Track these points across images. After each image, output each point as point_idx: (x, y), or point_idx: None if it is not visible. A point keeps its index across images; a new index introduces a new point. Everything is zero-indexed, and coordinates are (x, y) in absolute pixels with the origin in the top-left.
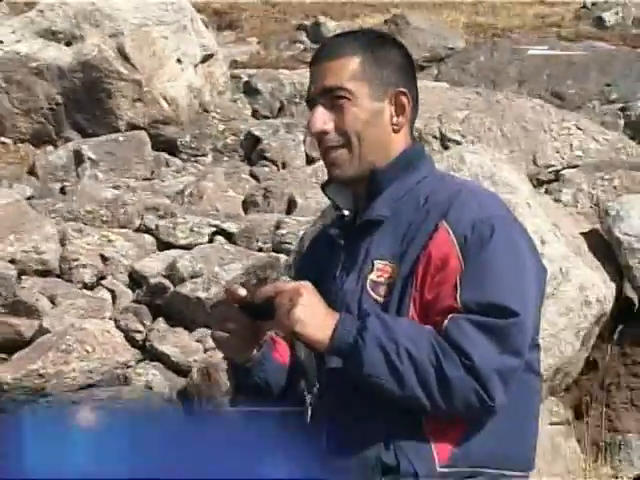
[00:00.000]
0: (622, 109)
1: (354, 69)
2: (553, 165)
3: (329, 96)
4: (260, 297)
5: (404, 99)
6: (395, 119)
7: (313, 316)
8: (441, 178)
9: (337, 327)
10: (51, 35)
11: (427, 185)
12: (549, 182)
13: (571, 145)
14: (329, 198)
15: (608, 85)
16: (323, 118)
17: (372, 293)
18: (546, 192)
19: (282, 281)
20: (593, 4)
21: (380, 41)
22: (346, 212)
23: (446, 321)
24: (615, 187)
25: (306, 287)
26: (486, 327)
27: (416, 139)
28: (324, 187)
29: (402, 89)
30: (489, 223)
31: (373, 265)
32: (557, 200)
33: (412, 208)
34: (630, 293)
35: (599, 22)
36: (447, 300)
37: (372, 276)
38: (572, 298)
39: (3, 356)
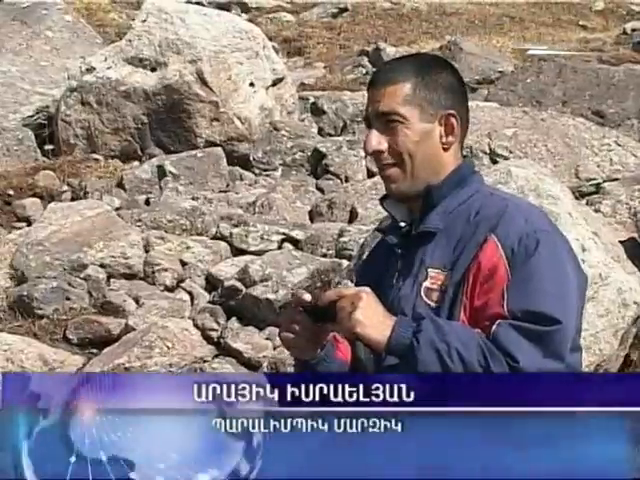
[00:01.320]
0: None
1: (406, 94)
2: (594, 178)
3: (383, 119)
4: (324, 301)
5: (453, 120)
6: (445, 139)
7: (372, 318)
8: (490, 194)
9: (394, 329)
10: (138, 62)
11: (477, 200)
12: (590, 194)
13: (611, 160)
14: (387, 211)
15: None
16: (377, 139)
17: (426, 299)
18: (587, 203)
19: (344, 286)
20: (633, 30)
21: (431, 65)
22: (402, 224)
23: (494, 326)
24: None
25: (366, 292)
26: (531, 333)
27: (467, 156)
28: (382, 201)
29: (451, 111)
30: (534, 237)
31: (427, 273)
32: (597, 211)
33: (463, 221)
34: None
35: (639, 47)
36: (495, 307)
37: (426, 283)
38: (611, 300)
39: (94, 351)
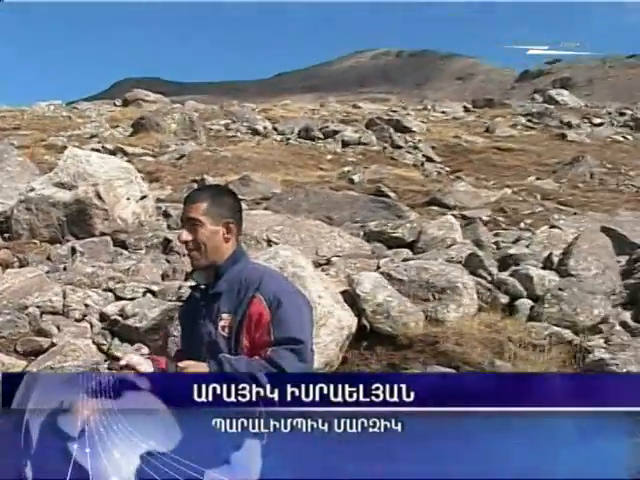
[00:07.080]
0: None
1: (204, 209)
2: (325, 255)
3: (191, 222)
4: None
5: (231, 226)
6: (225, 236)
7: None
8: (254, 266)
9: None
10: (61, 185)
11: (246, 270)
12: (322, 265)
13: (335, 243)
14: (193, 279)
15: None
16: (185, 234)
17: (222, 332)
18: (322, 270)
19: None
20: None
21: (219, 192)
22: (203, 286)
23: (268, 351)
24: (357, 267)
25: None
26: (291, 350)
27: (241, 244)
28: (191, 273)
29: (229, 220)
30: (281, 293)
31: (221, 317)
32: (327, 274)
33: (239, 283)
34: (364, 322)
35: None
36: (265, 336)
37: (221, 322)
38: (335, 326)
39: (33, 358)
